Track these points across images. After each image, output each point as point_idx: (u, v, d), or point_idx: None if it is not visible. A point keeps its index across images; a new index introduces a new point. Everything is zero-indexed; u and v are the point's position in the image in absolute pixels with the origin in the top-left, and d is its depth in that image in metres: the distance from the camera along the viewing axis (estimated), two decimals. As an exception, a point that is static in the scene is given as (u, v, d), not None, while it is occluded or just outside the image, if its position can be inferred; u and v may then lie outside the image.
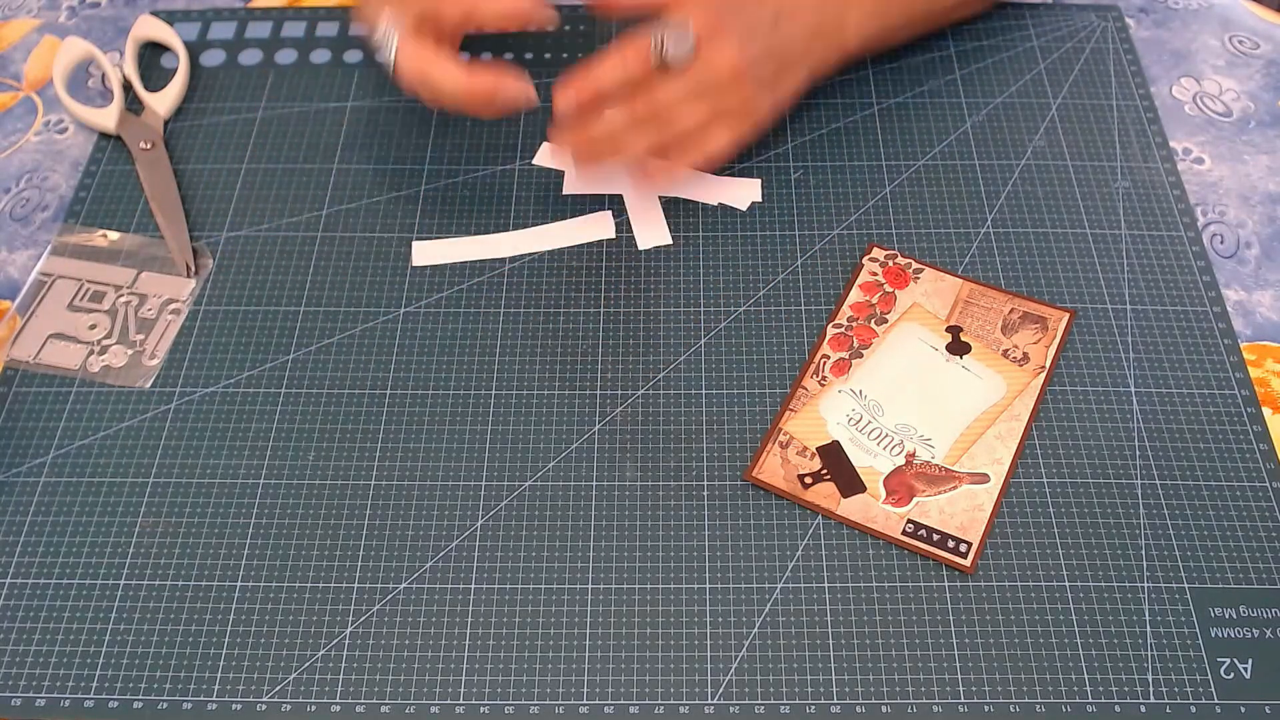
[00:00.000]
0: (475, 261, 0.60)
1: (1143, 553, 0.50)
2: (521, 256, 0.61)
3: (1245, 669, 0.47)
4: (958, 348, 0.56)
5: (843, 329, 0.57)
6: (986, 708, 0.47)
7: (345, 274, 0.60)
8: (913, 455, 0.53)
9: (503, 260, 0.60)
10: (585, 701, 0.47)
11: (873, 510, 0.51)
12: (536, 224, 0.62)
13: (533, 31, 0.71)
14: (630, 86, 0.55)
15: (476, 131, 0.66)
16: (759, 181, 0.63)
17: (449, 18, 0.58)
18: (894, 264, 0.60)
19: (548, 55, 0.70)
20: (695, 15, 0.55)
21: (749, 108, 0.57)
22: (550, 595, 0.50)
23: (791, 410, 0.54)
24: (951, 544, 0.50)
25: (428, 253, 0.60)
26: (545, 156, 0.65)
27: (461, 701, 0.47)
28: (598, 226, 0.61)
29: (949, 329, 0.57)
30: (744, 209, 0.62)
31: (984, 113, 0.66)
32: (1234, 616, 0.49)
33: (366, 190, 0.63)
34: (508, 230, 0.62)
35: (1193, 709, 0.46)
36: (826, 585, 0.50)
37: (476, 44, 0.70)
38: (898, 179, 0.63)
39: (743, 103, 0.57)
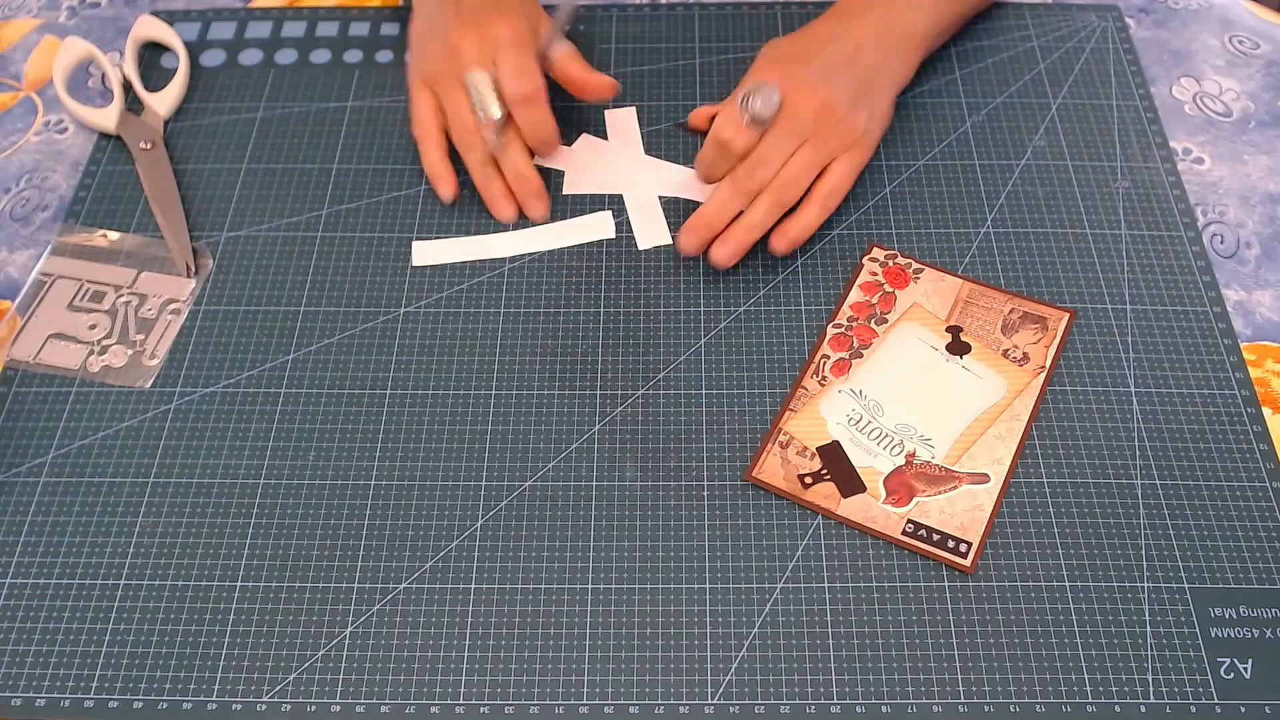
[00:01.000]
0: (475, 261, 0.60)
1: (1143, 553, 0.50)
2: (521, 256, 0.61)
3: (1245, 669, 0.47)
4: (958, 348, 0.56)
5: (843, 329, 0.57)
6: (986, 708, 0.47)
7: (345, 274, 0.60)
8: (913, 455, 0.53)
9: (503, 260, 0.60)
10: (585, 701, 0.47)
11: (873, 510, 0.51)
12: (537, 224, 0.62)
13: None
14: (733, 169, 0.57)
15: (476, 131, 0.66)
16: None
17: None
18: (894, 264, 0.60)
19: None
20: (771, 75, 0.57)
21: (853, 136, 0.58)
22: (550, 595, 0.50)
23: (791, 410, 0.54)
24: (951, 544, 0.50)
25: (428, 253, 0.60)
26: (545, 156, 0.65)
27: (461, 701, 0.47)
28: (598, 226, 0.61)
29: (949, 329, 0.57)
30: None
31: (984, 113, 0.66)
32: (1234, 616, 0.49)
33: (366, 190, 0.63)
34: (508, 230, 0.62)
35: (1193, 709, 0.46)
36: (826, 585, 0.50)
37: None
38: (898, 179, 0.63)
39: (844, 135, 0.57)
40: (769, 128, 0.56)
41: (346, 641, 0.49)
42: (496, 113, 0.59)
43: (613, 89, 0.62)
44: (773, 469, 0.52)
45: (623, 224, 0.62)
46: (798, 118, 0.56)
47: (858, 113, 0.58)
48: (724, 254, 0.57)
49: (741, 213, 0.57)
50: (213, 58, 0.70)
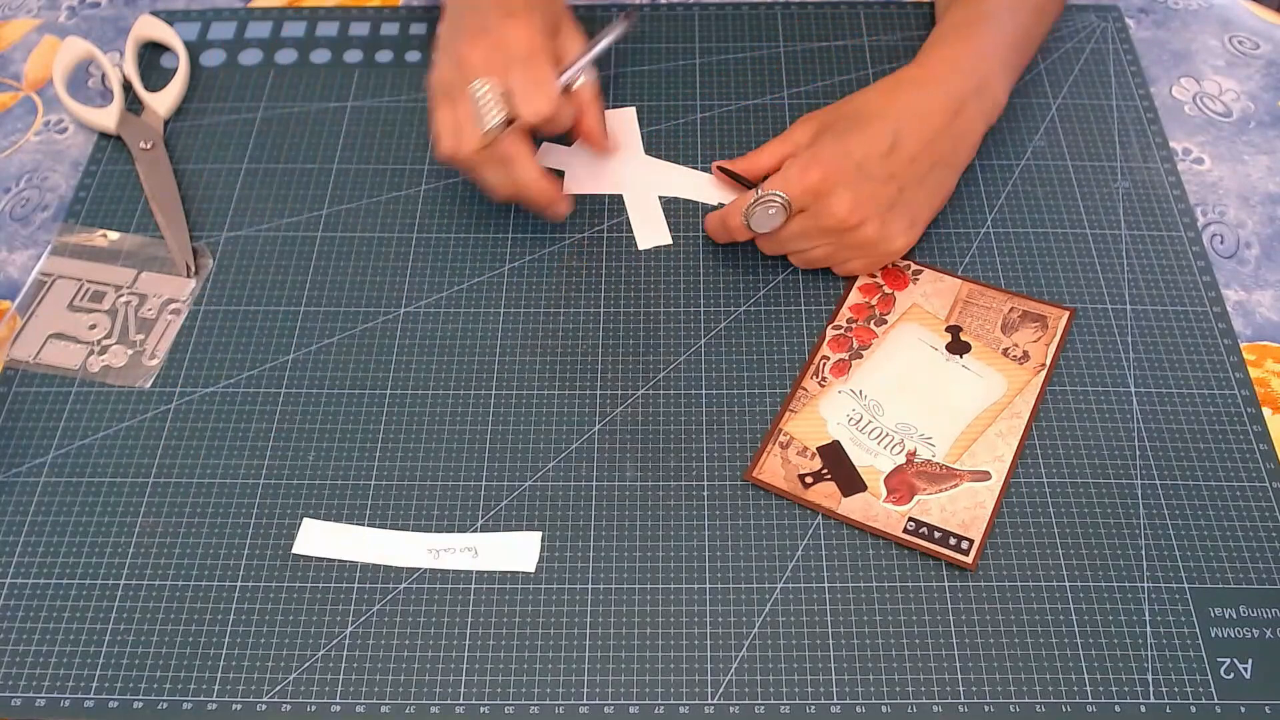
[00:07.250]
0: (475, 262, 0.60)
1: (1143, 553, 0.50)
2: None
3: (1245, 669, 0.47)
4: (957, 347, 0.56)
5: (842, 330, 0.57)
6: (986, 708, 0.47)
7: (345, 274, 0.60)
8: (913, 454, 0.53)
9: (502, 260, 0.60)
10: (585, 701, 0.47)
11: (874, 509, 0.51)
12: (536, 223, 0.62)
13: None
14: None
15: (476, 131, 0.66)
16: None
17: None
18: (893, 265, 0.59)
19: (548, 55, 0.70)
20: (802, 178, 0.54)
21: (870, 244, 0.56)
22: (550, 595, 0.50)
23: (791, 411, 0.54)
24: (953, 541, 0.50)
25: (312, 538, 0.51)
26: (545, 156, 0.65)
27: (461, 701, 0.47)
28: (521, 557, 0.51)
29: (949, 328, 0.57)
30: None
31: (984, 113, 0.66)
32: (1234, 616, 0.49)
33: (366, 190, 0.63)
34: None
35: (1193, 709, 0.46)
36: (826, 585, 0.50)
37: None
38: (898, 179, 0.63)
39: (863, 242, 0.56)
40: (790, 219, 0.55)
41: (346, 641, 0.49)
42: (493, 120, 0.54)
43: (604, 150, 0.63)
44: (773, 469, 0.52)
45: (623, 223, 0.62)
46: (820, 224, 0.55)
47: (889, 240, 0.56)
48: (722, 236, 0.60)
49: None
50: (213, 58, 0.70)
